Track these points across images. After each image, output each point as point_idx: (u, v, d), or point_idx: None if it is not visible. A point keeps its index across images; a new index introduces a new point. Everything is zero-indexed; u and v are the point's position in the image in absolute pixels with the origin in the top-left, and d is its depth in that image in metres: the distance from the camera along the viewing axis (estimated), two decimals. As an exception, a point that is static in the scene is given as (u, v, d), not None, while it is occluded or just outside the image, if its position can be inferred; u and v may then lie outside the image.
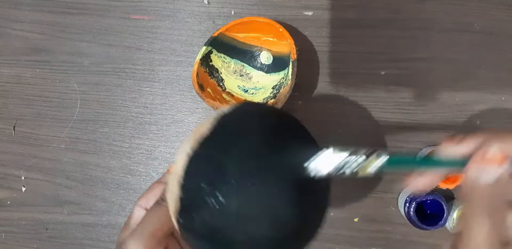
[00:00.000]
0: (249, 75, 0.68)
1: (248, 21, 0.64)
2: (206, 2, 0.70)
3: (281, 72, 0.66)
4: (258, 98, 0.66)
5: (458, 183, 0.59)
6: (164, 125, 0.70)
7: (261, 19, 0.64)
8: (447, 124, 0.66)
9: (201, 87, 0.63)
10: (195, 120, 0.70)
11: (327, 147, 0.35)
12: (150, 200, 0.40)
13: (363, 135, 0.67)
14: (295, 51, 0.61)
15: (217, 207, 0.32)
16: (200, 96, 0.61)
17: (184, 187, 0.34)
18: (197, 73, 0.63)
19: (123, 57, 0.71)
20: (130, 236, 0.36)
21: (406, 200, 0.61)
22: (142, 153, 0.70)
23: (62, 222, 0.71)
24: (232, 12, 0.70)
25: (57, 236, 0.71)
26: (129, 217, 0.40)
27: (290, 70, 0.61)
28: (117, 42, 0.71)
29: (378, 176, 0.66)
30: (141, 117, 0.71)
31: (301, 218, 0.34)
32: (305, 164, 0.35)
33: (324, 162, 0.35)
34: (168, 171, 0.36)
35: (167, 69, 0.71)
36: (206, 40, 0.64)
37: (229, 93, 0.67)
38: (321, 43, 0.68)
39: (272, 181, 0.33)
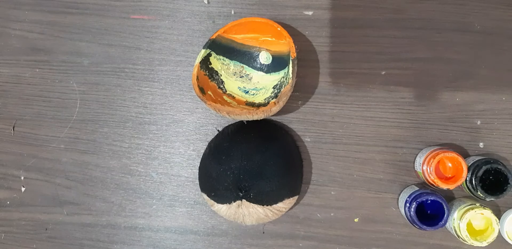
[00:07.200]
0: (249, 76, 0.68)
1: (245, 22, 0.64)
2: (206, 2, 0.70)
3: (281, 72, 0.66)
4: (259, 98, 0.66)
5: (458, 183, 0.59)
6: (163, 125, 0.70)
7: (258, 19, 0.63)
8: (447, 124, 0.66)
9: (202, 90, 0.63)
10: (194, 120, 0.70)
11: None
12: None
13: (363, 135, 0.67)
14: (294, 49, 0.61)
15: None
16: (201, 99, 0.61)
17: None
18: (197, 77, 0.63)
19: (122, 57, 0.71)
20: None
21: (406, 200, 0.61)
22: (142, 153, 0.70)
23: (61, 222, 0.71)
24: (232, 12, 0.70)
25: (56, 236, 0.71)
26: None
27: (291, 68, 0.60)
28: (117, 42, 0.71)
29: (378, 177, 0.67)
30: (141, 117, 0.71)
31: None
32: None
33: None
34: None
35: (166, 69, 0.70)
36: (206, 39, 0.63)
37: (230, 95, 0.67)
38: (321, 43, 0.68)
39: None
